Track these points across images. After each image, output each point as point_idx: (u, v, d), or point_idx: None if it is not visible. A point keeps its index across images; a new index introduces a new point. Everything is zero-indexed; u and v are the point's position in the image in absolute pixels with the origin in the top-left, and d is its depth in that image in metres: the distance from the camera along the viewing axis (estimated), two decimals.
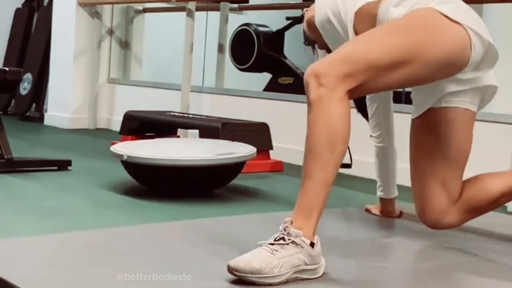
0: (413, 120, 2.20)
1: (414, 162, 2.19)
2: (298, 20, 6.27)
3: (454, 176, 2.14)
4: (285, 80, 5.85)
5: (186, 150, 3.17)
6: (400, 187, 2.61)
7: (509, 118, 3.34)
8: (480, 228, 2.41)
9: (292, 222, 1.74)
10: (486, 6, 6.32)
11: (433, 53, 1.88)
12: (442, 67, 1.93)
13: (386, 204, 2.60)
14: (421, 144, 2.17)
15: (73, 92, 5.78)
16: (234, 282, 1.66)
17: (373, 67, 1.82)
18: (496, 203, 2.18)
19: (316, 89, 1.76)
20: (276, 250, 1.69)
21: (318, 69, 1.78)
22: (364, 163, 3.43)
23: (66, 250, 1.98)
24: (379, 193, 2.59)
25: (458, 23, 1.91)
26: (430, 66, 1.90)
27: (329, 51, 2.33)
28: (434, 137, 2.13)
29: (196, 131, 4.08)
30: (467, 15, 1.96)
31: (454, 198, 2.14)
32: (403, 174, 2.50)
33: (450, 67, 1.95)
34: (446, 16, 1.90)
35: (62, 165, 3.57)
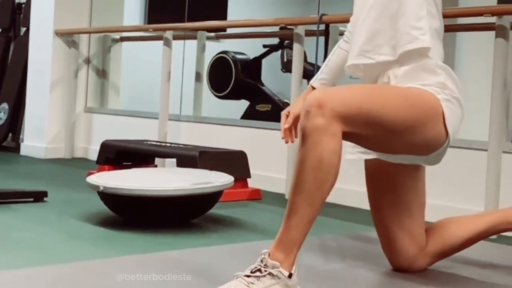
0: (366, 160, 2.21)
1: (375, 209, 2.21)
2: (275, 47, 6.32)
3: (418, 224, 2.17)
4: (263, 107, 5.86)
5: (163, 180, 3.15)
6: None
7: (482, 145, 3.37)
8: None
9: (270, 254, 1.73)
10: (459, 34, 6.41)
11: (418, 137, 1.94)
12: (419, 149, 2.01)
13: None
14: (379, 189, 2.19)
15: (50, 122, 5.74)
16: None
17: (374, 126, 1.85)
18: (466, 246, 2.24)
19: (315, 118, 1.74)
20: (252, 283, 1.68)
21: (324, 100, 1.76)
22: (341, 190, 3.44)
23: (38, 285, 1.95)
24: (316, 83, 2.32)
25: (446, 129, 1.97)
26: (420, 143, 1.97)
27: None
28: (391, 184, 2.16)
29: (174, 160, 4.06)
30: (456, 121, 2.01)
31: (421, 245, 2.18)
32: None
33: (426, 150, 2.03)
34: (443, 116, 1.96)
35: (38, 197, 3.52)
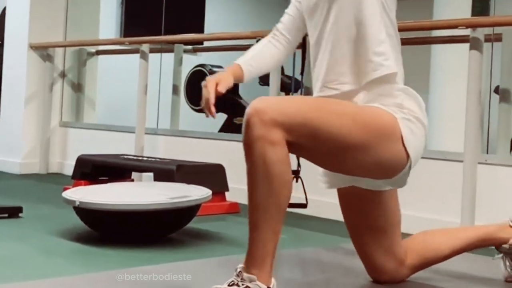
0: (338, 189, 2.17)
1: (351, 230, 2.19)
2: None
3: (394, 241, 2.15)
4: (240, 120, 5.83)
5: (140, 194, 3.13)
6: None
7: (458, 156, 3.39)
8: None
9: (245, 268, 1.71)
10: (433, 46, 6.47)
11: (372, 158, 1.86)
12: (377, 171, 1.94)
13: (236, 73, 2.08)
14: (352, 213, 2.16)
15: (24, 137, 5.68)
16: None
17: (320, 140, 1.79)
18: (446, 259, 2.25)
19: (255, 127, 1.70)
20: None
21: (263, 109, 1.72)
22: (319, 203, 3.44)
23: None
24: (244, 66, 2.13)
25: (406, 150, 1.89)
26: (376, 165, 1.89)
27: None
28: (363, 209, 2.13)
29: (151, 174, 4.03)
30: (417, 141, 1.94)
31: (400, 259, 2.17)
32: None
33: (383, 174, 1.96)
34: (401, 137, 1.89)
35: (13, 212, 3.47)
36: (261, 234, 1.72)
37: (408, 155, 1.90)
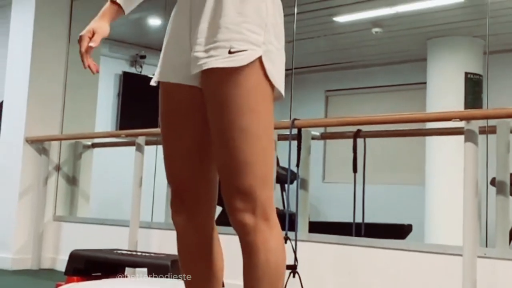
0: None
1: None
2: None
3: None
4: None
5: None
6: None
7: (457, 250, 3.34)
8: None
9: None
10: (428, 138, 6.52)
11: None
12: None
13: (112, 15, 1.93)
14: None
15: (17, 231, 5.60)
16: None
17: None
18: None
19: (262, 233, 1.69)
20: None
21: (267, 212, 1.69)
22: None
23: None
24: None
25: (272, 85, 1.75)
26: None
27: None
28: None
29: (145, 270, 3.95)
30: (281, 73, 1.79)
31: None
32: None
33: None
34: (267, 78, 1.73)
35: None
36: None
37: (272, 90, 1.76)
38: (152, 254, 4.21)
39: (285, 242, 3.26)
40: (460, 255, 3.25)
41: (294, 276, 3.44)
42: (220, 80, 1.69)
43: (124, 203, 5.37)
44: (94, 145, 6.12)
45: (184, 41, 1.79)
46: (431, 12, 6.53)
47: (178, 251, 1.92)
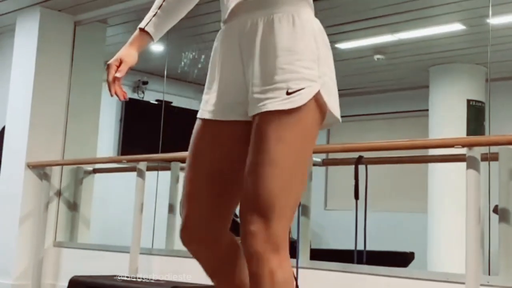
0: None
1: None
2: None
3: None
4: (238, 240, 5.77)
5: None
6: None
7: (459, 278, 3.31)
8: None
9: None
10: (430, 165, 6.50)
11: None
12: None
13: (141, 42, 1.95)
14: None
15: (17, 257, 5.57)
16: None
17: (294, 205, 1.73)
18: None
19: (269, 262, 1.64)
20: None
21: (276, 243, 1.65)
22: None
23: None
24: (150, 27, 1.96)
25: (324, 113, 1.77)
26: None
27: None
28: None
29: None
30: (336, 100, 1.81)
31: None
32: None
33: None
34: (322, 110, 1.75)
35: None
36: None
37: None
38: (153, 281, 4.18)
39: None
40: (463, 283, 3.22)
41: None
42: (277, 120, 1.69)
43: (125, 229, 5.34)
44: (95, 171, 6.11)
45: (238, 81, 1.80)
46: (433, 40, 6.55)
47: (203, 269, 1.93)
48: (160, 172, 5.91)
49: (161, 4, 1.94)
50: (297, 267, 3.58)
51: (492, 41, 5.57)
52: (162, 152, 5.97)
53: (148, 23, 1.92)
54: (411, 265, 6.32)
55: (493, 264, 4.22)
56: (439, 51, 6.84)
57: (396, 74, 7.78)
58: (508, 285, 3.23)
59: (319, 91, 1.72)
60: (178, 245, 5.35)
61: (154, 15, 1.93)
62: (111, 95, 1.83)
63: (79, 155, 5.89)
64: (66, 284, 4.33)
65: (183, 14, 1.99)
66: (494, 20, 5.81)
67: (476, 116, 6.63)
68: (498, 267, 3.50)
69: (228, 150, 1.84)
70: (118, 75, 1.82)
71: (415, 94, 7.77)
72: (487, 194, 4.72)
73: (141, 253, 4.88)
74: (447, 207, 6.10)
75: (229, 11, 1.83)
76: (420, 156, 5.43)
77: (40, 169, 5.72)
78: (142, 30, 1.92)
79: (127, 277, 4.48)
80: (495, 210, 3.84)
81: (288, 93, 1.69)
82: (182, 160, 5.58)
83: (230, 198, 1.85)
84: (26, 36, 5.92)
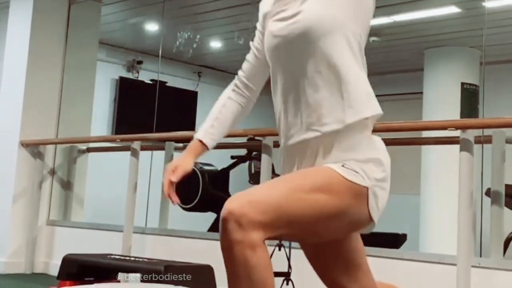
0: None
1: (328, 280, 2.07)
2: (243, 158, 6.33)
3: (368, 275, 2.06)
4: None
5: None
6: None
7: (451, 259, 3.33)
8: None
9: None
10: (424, 148, 6.52)
11: (340, 223, 1.85)
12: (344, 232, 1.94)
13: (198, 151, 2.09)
14: (324, 263, 2.06)
15: (11, 235, 5.58)
16: None
17: (297, 225, 1.75)
18: None
19: (233, 232, 1.64)
20: None
21: (240, 211, 1.66)
22: None
23: None
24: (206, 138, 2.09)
25: (370, 214, 1.86)
26: (345, 228, 1.89)
27: None
28: (334, 254, 2.03)
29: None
30: (381, 204, 1.91)
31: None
32: None
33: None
34: (367, 202, 1.84)
35: None
36: None
37: (371, 219, 1.87)
38: (146, 260, 4.19)
39: (279, 249, 3.25)
40: (454, 264, 3.24)
41: (288, 284, 3.43)
42: None
43: (119, 208, 5.35)
44: (89, 150, 6.10)
45: None
46: (429, 22, 6.54)
47: None
48: (154, 152, 5.92)
49: (216, 116, 2.09)
50: (290, 248, 3.60)
51: (487, 24, 5.57)
52: (156, 132, 5.98)
53: (204, 134, 2.08)
54: (403, 246, 6.36)
55: (485, 246, 4.26)
56: (434, 33, 6.83)
57: (391, 56, 7.78)
58: (499, 266, 3.26)
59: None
60: (171, 224, 5.39)
61: (210, 126, 2.08)
62: (165, 197, 1.97)
63: (73, 134, 5.89)
64: (59, 262, 4.34)
65: (235, 125, 2.13)
66: (490, 3, 5.80)
67: (470, 99, 6.65)
68: (489, 249, 3.53)
69: None
70: (173, 179, 1.95)
71: (410, 76, 7.78)
72: (480, 177, 4.75)
73: (134, 232, 4.90)
74: (440, 189, 6.13)
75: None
76: (414, 138, 5.43)
77: (33, 148, 5.71)
78: (199, 140, 2.07)
79: (121, 255, 4.49)
80: (488, 193, 3.87)
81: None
82: (176, 140, 5.59)
83: None
84: (20, 15, 5.89)
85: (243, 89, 2.09)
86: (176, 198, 1.95)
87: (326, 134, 1.87)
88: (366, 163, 1.85)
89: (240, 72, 2.11)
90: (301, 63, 1.90)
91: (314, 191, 1.78)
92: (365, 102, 1.88)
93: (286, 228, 1.74)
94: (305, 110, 1.90)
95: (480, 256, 4.10)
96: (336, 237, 1.94)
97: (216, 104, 2.10)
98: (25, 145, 5.67)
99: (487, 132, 3.82)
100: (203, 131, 2.08)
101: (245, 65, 2.10)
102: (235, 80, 2.11)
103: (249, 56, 2.09)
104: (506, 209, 3.66)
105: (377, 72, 8.09)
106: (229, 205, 1.68)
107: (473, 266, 3.24)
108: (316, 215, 1.77)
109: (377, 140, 1.93)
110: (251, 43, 2.09)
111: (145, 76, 8.04)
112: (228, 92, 2.10)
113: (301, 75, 1.90)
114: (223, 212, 1.67)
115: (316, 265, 2.08)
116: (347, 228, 1.89)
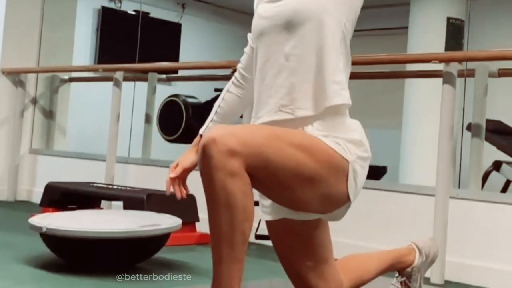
0: (267, 222, 2.10)
1: (288, 264, 2.11)
2: None
3: (332, 268, 2.09)
4: None
5: (108, 221, 3.07)
6: None
7: (430, 190, 3.39)
8: None
9: None
10: (408, 81, 6.53)
11: (318, 191, 1.84)
12: (326, 206, 1.92)
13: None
14: (288, 246, 2.08)
15: None
16: None
17: (274, 169, 1.76)
18: (373, 279, 2.23)
19: (212, 158, 1.66)
20: None
21: (220, 137, 1.67)
22: None
23: None
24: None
25: (348, 192, 1.88)
26: (320, 200, 1.88)
27: None
28: (298, 240, 2.05)
29: (121, 203, 3.97)
30: (359, 183, 1.92)
31: (338, 286, 2.10)
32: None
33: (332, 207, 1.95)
34: (346, 178, 1.87)
35: None
36: (225, 267, 1.68)
37: (348, 197, 1.89)
38: (128, 188, 4.22)
39: None
40: (433, 195, 3.30)
41: None
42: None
43: (102, 138, 5.34)
44: (71, 80, 6.06)
45: None
46: None
47: None
48: (137, 83, 5.88)
49: (216, 110, 2.12)
50: None
51: None
52: (139, 62, 5.93)
53: (205, 129, 2.10)
54: (383, 178, 6.45)
55: (464, 179, 4.33)
56: None
57: None
58: (477, 198, 3.32)
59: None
60: (154, 154, 5.41)
61: (211, 120, 2.12)
62: (167, 192, 2.04)
63: (55, 64, 5.82)
64: (42, 190, 4.36)
65: (235, 118, 2.17)
66: None
67: (455, 34, 6.62)
68: (468, 182, 3.59)
69: None
70: (171, 175, 2.00)
71: (395, 11, 7.72)
72: (462, 112, 4.78)
73: (117, 162, 4.91)
74: (421, 123, 6.17)
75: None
76: (397, 72, 5.44)
77: (15, 76, 5.65)
78: (201, 135, 2.08)
79: (103, 184, 4.52)
80: (469, 127, 3.91)
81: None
82: (159, 71, 5.55)
83: None
84: None
85: (241, 80, 2.13)
86: (180, 193, 2.01)
87: (298, 118, 1.89)
88: (348, 142, 1.88)
89: (239, 65, 2.15)
90: (281, 45, 1.92)
91: (295, 147, 1.79)
92: (337, 91, 1.89)
93: (264, 169, 1.73)
94: (279, 92, 1.92)
95: (459, 187, 4.17)
96: (305, 208, 1.92)
97: (217, 102, 2.16)
98: (6, 73, 5.61)
99: (471, 66, 3.83)
100: (205, 126, 2.13)
101: (243, 57, 2.15)
102: (236, 73, 2.16)
103: (247, 48, 2.13)
104: (485, 144, 3.71)
105: (363, 6, 8.01)
106: (212, 133, 1.69)
107: (451, 197, 3.30)
108: (294, 170, 1.77)
109: (355, 123, 1.96)
110: (248, 34, 2.11)
111: (127, 6, 7.91)
112: (228, 85, 2.16)
113: (280, 57, 1.92)
114: (205, 138, 1.68)
115: (283, 255, 2.10)
116: (319, 201, 1.87)
